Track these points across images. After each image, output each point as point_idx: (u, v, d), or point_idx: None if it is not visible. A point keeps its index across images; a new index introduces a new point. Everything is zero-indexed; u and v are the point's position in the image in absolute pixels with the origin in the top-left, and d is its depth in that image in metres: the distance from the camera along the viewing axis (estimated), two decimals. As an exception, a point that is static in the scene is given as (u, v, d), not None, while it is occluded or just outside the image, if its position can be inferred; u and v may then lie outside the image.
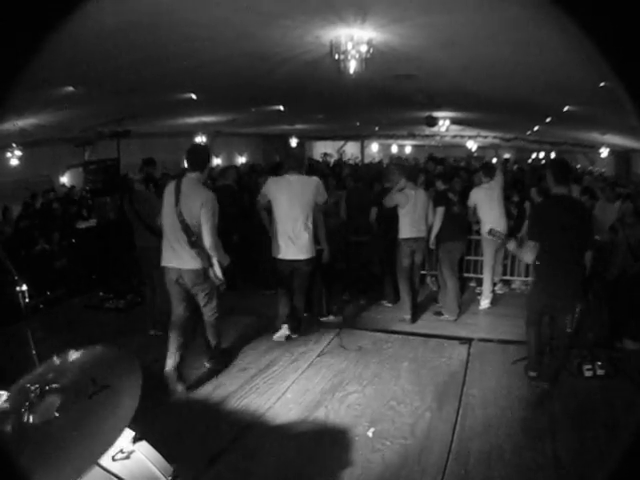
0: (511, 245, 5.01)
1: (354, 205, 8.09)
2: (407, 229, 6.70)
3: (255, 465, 3.67)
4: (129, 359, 2.28)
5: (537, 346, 4.99)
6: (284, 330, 6.02)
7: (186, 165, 5.15)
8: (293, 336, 6.03)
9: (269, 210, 5.87)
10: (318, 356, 5.53)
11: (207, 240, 4.63)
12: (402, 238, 6.74)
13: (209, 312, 5.02)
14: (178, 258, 4.71)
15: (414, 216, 6.69)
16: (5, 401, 2.11)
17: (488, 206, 7.18)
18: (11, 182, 11.92)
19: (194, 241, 4.60)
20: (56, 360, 2.34)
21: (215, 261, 4.72)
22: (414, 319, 6.78)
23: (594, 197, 6.75)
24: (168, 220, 4.73)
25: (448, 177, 7.87)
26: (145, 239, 6.03)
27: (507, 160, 20.84)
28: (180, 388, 4.75)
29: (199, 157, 4.95)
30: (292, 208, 5.65)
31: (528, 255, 4.68)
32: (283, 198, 5.68)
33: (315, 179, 5.90)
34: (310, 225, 5.73)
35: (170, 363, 4.79)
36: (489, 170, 7.51)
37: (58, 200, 11.81)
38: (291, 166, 5.86)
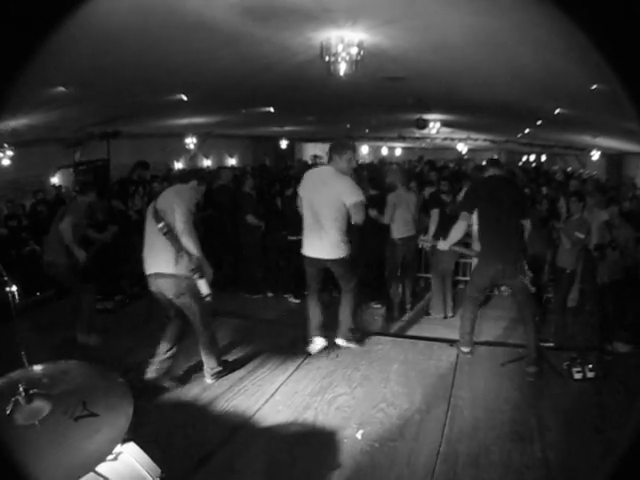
0: (441, 244, 5.38)
1: None
2: (400, 230, 6.81)
3: (244, 466, 3.66)
4: (125, 392, 2.16)
5: (472, 323, 5.43)
6: (319, 342, 5.63)
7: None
8: (350, 345, 5.68)
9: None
10: (307, 358, 5.50)
11: None
12: (396, 238, 6.86)
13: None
14: None
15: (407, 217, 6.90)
16: None
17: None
18: (2, 182, 11.90)
19: None
20: (52, 366, 2.28)
21: None
22: (398, 317, 6.94)
23: (583, 200, 6.81)
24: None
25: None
26: None
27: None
28: None
29: None
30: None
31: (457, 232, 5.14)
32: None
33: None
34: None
35: None
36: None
37: (44, 202, 11.73)
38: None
